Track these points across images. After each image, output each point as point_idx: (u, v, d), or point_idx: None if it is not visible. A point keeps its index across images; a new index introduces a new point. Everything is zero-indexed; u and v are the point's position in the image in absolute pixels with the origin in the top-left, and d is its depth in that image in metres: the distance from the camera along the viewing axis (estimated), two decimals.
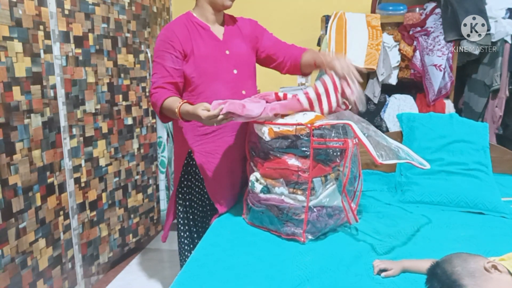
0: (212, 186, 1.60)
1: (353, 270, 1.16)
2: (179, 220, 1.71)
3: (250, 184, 1.50)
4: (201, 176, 1.60)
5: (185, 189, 1.64)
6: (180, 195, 1.67)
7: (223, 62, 1.55)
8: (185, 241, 1.71)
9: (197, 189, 1.64)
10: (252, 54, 1.68)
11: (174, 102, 1.41)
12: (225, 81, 1.54)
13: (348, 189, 1.41)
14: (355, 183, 1.47)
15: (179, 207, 1.69)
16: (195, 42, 1.52)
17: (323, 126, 1.33)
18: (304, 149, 1.33)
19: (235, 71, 1.57)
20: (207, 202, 1.64)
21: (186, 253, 1.73)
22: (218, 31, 1.60)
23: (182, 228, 1.70)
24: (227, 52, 1.57)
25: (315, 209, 1.35)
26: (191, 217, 1.66)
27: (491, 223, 1.54)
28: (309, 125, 1.31)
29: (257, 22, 1.72)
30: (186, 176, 1.64)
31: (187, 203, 1.65)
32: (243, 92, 1.61)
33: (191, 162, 1.62)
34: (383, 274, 1.13)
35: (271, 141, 1.39)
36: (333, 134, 1.34)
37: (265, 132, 1.40)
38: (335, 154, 1.39)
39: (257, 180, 1.47)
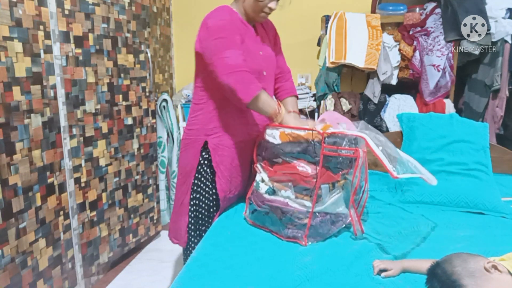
0: (223, 180, 1.60)
1: (353, 270, 1.16)
2: (190, 219, 1.69)
3: (255, 184, 1.50)
4: (213, 172, 1.60)
5: (195, 188, 1.64)
6: (192, 195, 1.65)
7: (259, 61, 1.55)
8: (195, 240, 1.70)
9: (206, 189, 1.63)
10: (275, 56, 1.70)
11: (271, 101, 1.44)
12: (258, 81, 1.48)
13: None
14: (360, 191, 1.47)
15: (189, 207, 1.68)
16: (242, 35, 1.49)
17: (335, 135, 1.33)
18: (314, 155, 1.33)
19: (264, 73, 1.59)
20: (215, 202, 1.64)
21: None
22: (254, 31, 1.60)
23: (192, 227, 1.69)
24: (261, 53, 1.58)
25: (318, 215, 1.35)
26: (200, 216, 1.66)
27: (491, 223, 1.54)
28: (321, 131, 1.31)
29: (275, 27, 1.75)
30: (197, 175, 1.63)
31: (197, 202, 1.65)
32: None
33: (201, 161, 1.62)
34: (383, 274, 1.13)
35: (281, 144, 1.39)
36: (344, 143, 1.34)
37: (276, 135, 1.41)
38: (345, 162, 1.39)
39: (262, 181, 1.47)
